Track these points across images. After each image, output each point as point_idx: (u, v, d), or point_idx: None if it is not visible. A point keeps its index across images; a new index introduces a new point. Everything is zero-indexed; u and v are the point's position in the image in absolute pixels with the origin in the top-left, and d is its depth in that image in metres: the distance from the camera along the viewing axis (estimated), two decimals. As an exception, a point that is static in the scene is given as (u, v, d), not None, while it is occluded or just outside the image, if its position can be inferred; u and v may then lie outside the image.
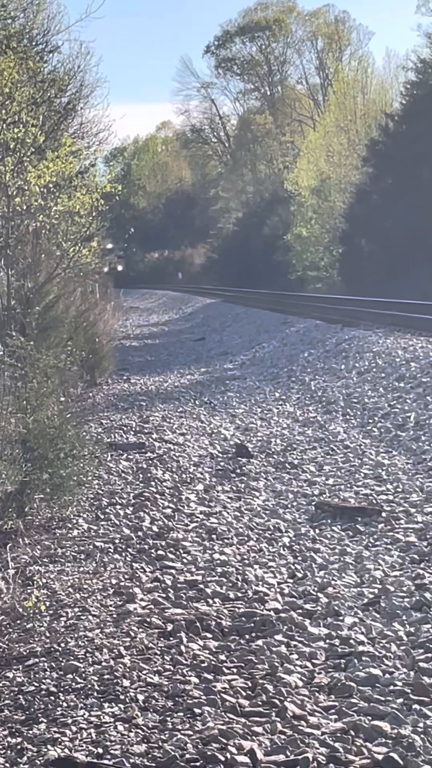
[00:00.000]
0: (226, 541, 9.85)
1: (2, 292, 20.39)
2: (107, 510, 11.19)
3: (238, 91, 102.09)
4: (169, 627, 7.40)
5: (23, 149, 22.31)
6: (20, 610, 7.72)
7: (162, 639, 7.21)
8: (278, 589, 8.29)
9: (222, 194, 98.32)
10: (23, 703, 6.20)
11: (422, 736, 5.64)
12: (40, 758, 5.47)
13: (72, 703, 6.15)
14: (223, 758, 5.43)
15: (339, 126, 60.94)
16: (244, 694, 6.29)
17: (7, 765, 5.44)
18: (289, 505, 11.26)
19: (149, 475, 12.95)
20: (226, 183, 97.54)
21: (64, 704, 6.14)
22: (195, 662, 6.76)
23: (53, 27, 31.29)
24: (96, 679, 6.48)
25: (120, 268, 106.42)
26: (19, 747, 5.63)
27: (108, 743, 5.63)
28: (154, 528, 10.33)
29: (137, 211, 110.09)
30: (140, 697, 6.21)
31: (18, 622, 7.57)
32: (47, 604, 7.92)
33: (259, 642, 7.11)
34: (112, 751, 5.53)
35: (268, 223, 69.80)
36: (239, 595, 8.15)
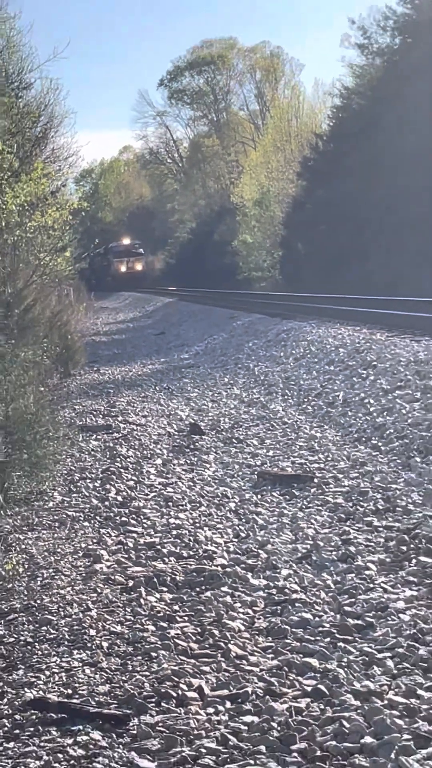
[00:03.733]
0: (180, 507, 9.84)
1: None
2: (78, 484, 11.17)
3: (189, 117, 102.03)
4: (131, 583, 7.41)
5: (0, 173, 22.18)
6: (1, 572, 7.71)
7: (124, 593, 7.22)
8: (224, 548, 8.29)
9: (177, 208, 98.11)
10: (4, 652, 6.21)
11: (345, 669, 5.68)
12: (18, 699, 5.50)
13: (46, 652, 6.17)
14: (175, 694, 5.48)
15: (276, 146, 61.13)
16: (194, 638, 6.31)
17: (-11, 707, 5.46)
18: (235, 475, 11.26)
19: (115, 452, 12.92)
20: (181, 198, 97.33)
21: (39, 653, 6.16)
22: (152, 613, 6.78)
23: (26, 66, 31.11)
24: (67, 630, 6.50)
25: (140, 267, 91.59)
26: (0, 690, 5.65)
27: (76, 685, 5.66)
28: (119, 498, 10.32)
29: (104, 225, 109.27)
30: (104, 644, 6.23)
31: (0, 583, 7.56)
32: (25, 566, 7.92)
33: (208, 593, 7.12)
34: (80, 692, 5.56)
35: (218, 231, 69.90)
36: (191, 553, 8.15)
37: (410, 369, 14.37)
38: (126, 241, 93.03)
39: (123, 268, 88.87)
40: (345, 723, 5.01)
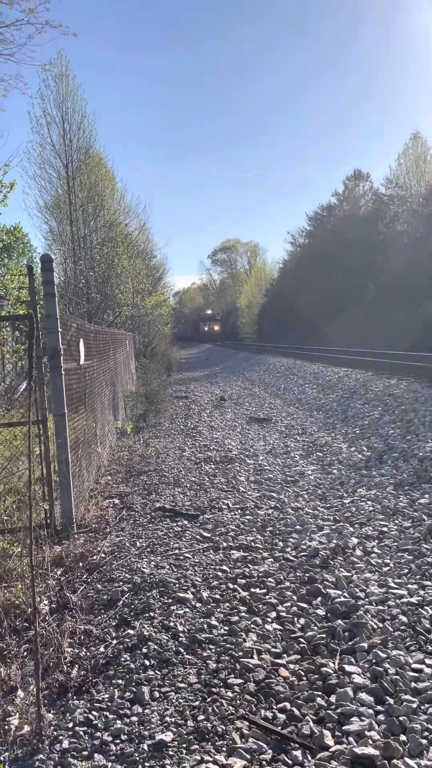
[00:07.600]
0: (217, 430, 9.73)
1: (138, 343, 20.31)
2: (175, 419, 11.08)
3: (219, 271, 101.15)
4: (198, 461, 7.35)
5: (144, 292, 22.16)
6: (145, 455, 7.68)
7: (195, 465, 7.15)
8: (236, 447, 8.17)
9: (213, 308, 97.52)
10: (146, 488, 6.16)
11: (287, 498, 5.61)
12: (152, 506, 5.44)
13: (164, 488, 6.11)
14: (217, 507, 5.41)
15: (255, 284, 60.54)
16: (224, 483, 6.24)
17: (140, 510, 5.42)
18: (239, 418, 11.12)
19: (189, 407, 12.80)
20: (215, 304, 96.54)
21: (161, 488, 6.11)
22: (207, 473, 6.71)
23: (153, 248, 31.00)
24: (172, 479, 6.45)
25: (216, 328, 69.14)
26: (145, 503, 5.61)
27: (177, 501, 5.59)
28: (192, 426, 10.22)
29: (184, 315, 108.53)
30: (188, 485, 6.17)
31: (144, 459, 7.53)
32: (155, 453, 7.89)
33: (230, 466, 7.04)
34: (179, 504, 5.50)
35: (231, 317, 69.37)
36: (222, 449, 8.06)
37: (312, 375, 14.22)
38: (209, 311, 76.99)
39: (206, 328, 71.06)
40: (288, 520, 4.96)
